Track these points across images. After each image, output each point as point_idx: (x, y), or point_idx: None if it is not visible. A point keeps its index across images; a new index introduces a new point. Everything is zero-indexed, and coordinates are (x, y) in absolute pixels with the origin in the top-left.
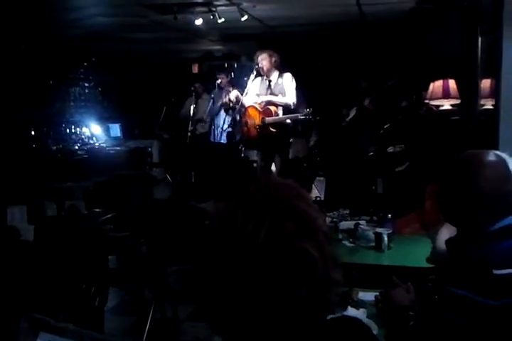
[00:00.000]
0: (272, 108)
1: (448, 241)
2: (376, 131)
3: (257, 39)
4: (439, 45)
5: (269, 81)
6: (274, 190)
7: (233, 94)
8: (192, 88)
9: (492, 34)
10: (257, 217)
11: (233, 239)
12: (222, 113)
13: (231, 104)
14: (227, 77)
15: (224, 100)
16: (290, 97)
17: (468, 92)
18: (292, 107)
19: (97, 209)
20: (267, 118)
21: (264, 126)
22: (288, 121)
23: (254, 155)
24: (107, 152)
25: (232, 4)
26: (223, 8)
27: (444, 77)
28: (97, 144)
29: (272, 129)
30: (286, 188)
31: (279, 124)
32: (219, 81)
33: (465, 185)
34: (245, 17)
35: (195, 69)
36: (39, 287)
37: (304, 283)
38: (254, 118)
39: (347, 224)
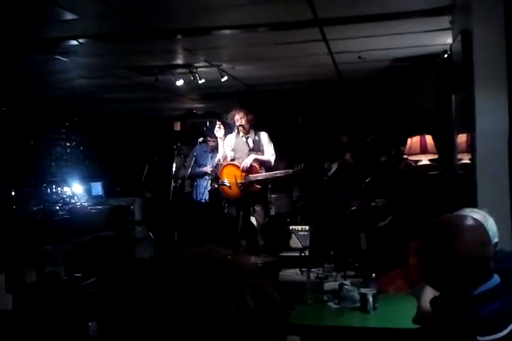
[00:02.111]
0: (256, 165)
1: (432, 302)
2: (358, 185)
3: (238, 97)
4: (415, 101)
5: (247, 138)
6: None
7: (208, 168)
8: (174, 146)
9: (465, 90)
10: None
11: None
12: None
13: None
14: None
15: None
16: (270, 154)
17: (445, 147)
18: (272, 164)
19: (77, 274)
20: (251, 175)
21: (248, 184)
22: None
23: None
24: (88, 211)
25: (212, 66)
26: (203, 69)
27: (421, 132)
28: (78, 203)
29: (257, 186)
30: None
31: (264, 181)
32: (210, 143)
33: (444, 251)
34: (225, 78)
35: (178, 126)
36: None
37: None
38: (236, 176)
39: (331, 285)
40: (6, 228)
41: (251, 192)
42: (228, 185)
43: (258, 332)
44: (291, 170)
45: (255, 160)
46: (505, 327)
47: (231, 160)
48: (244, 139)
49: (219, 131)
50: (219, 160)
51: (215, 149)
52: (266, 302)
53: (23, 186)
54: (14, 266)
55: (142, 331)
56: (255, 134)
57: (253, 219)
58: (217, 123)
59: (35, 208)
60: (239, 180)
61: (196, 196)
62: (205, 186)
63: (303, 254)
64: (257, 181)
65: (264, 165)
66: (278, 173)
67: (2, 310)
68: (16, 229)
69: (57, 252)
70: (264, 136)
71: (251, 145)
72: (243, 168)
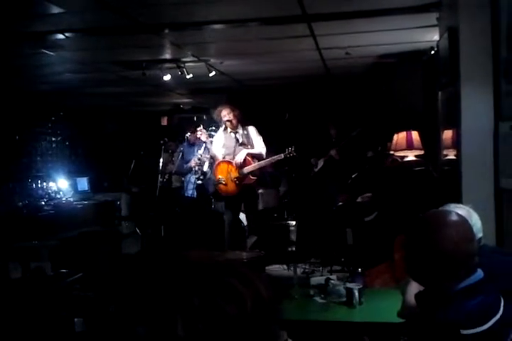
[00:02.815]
0: (249, 158)
1: (417, 296)
2: (344, 180)
3: (226, 92)
4: (402, 97)
5: (235, 133)
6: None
7: (193, 161)
8: (161, 142)
9: (451, 87)
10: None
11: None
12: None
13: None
14: (207, 131)
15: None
16: (261, 147)
17: (431, 143)
18: (264, 157)
19: (64, 270)
20: (245, 168)
21: (243, 177)
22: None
23: (223, 208)
24: (74, 206)
25: (199, 61)
26: (191, 64)
27: (408, 128)
28: (64, 199)
29: (252, 177)
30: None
31: (258, 172)
32: (188, 134)
33: (428, 246)
34: (213, 73)
35: (164, 121)
36: None
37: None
38: (230, 172)
39: (318, 280)
40: None
41: (246, 186)
42: (224, 182)
43: (257, 328)
44: (282, 155)
45: (247, 154)
46: (488, 321)
47: (222, 158)
48: (232, 135)
49: (202, 135)
50: (201, 155)
51: (196, 142)
52: (262, 299)
53: (8, 181)
54: None
55: (151, 327)
56: (243, 129)
57: (241, 216)
58: (199, 130)
59: (20, 203)
60: (233, 175)
61: (185, 192)
62: (192, 182)
63: (289, 249)
64: (252, 173)
65: (257, 157)
66: (271, 159)
67: None
68: (0, 225)
69: (43, 248)
70: (252, 129)
71: (240, 140)
72: (236, 163)
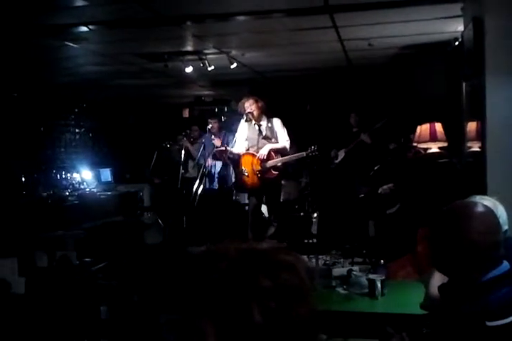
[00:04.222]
0: (272, 153)
1: (441, 288)
2: (366, 172)
3: (247, 84)
4: (425, 89)
5: (259, 125)
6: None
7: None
8: (187, 131)
9: (475, 78)
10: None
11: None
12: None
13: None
14: (218, 122)
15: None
16: (284, 141)
17: (455, 135)
18: (288, 150)
19: (88, 259)
20: (268, 162)
21: (265, 170)
22: (279, 164)
23: (245, 199)
24: (97, 197)
25: (221, 52)
26: (213, 56)
27: (431, 120)
28: (87, 189)
29: (273, 172)
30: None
31: (279, 166)
32: (210, 126)
33: (455, 237)
34: (234, 64)
35: (186, 113)
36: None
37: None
38: (253, 164)
39: (340, 271)
40: (17, 213)
41: (267, 180)
42: (246, 174)
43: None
44: (304, 153)
45: (271, 149)
46: None
47: (246, 150)
48: (256, 127)
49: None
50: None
51: (216, 132)
52: (308, 269)
53: (33, 172)
54: (26, 251)
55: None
56: (268, 121)
57: (263, 207)
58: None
59: (45, 194)
60: (256, 168)
61: (205, 183)
62: (214, 172)
63: (309, 241)
64: (274, 167)
65: (280, 152)
66: (292, 157)
67: (15, 293)
68: (26, 215)
69: (68, 237)
70: (277, 122)
71: (264, 132)
72: (260, 157)
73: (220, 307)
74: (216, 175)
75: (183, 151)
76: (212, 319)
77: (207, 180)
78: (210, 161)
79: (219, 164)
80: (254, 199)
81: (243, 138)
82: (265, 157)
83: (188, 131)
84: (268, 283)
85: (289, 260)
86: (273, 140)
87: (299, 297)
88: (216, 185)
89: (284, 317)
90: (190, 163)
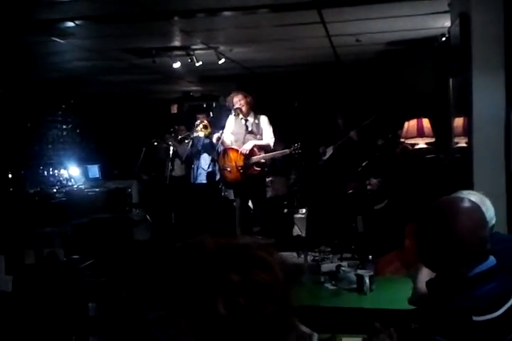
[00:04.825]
0: (255, 149)
1: (428, 283)
2: (354, 168)
3: (235, 80)
4: (413, 85)
5: (246, 120)
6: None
7: (215, 136)
8: (172, 129)
9: (462, 74)
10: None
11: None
12: (204, 154)
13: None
14: (207, 117)
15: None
16: (269, 138)
17: (442, 131)
18: (271, 148)
19: (76, 256)
20: (251, 158)
21: (248, 166)
22: (263, 160)
23: (233, 194)
24: (85, 194)
25: (209, 48)
26: (201, 51)
27: (418, 116)
28: (75, 186)
29: (256, 168)
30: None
31: (262, 163)
32: (198, 122)
33: (441, 232)
34: (222, 60)
35: (174, 109)
36: (18, 339)
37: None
38: (236, 160)
39: (329, 267)
40: (4, 210)
41: (250, 176)
42: (229, 169)
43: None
44: (287, 150)
45: (254, 145)
46: (500, 307)
47: (231, 144)
48: (243, 122)
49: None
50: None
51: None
52: (286, 267)
53: (20, 168)
54: (13, 248)
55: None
56: (255, 117)
57: (250, 203)
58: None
59: (32, 191)
60: (238, 164)
61: (193, 179)
62: (203, 167)
63: (299, 236)
64: (257, 163)
65: (264, 149)
66: (276, 154)
67: (2, 291)
68: (13, 212)
69: (56, 234)
70: (263, 119)
71: (249, 127)
72: (242, 153)
73: (189, 299)
74: (206, 170)
75: (171, 149)
76: (183, 310)
77: (195, 174)
78: (204, 155)
79: (207, 160)
80: (240, 195)
81: (229, 132)
82: (247, 152)
83: (175, 129)
84: (237, 277)
85: (263, 256)
86: (258, 136)
87: (268, 294)
88: (204, 180)
89: (251, 313)
90: (177, 162)
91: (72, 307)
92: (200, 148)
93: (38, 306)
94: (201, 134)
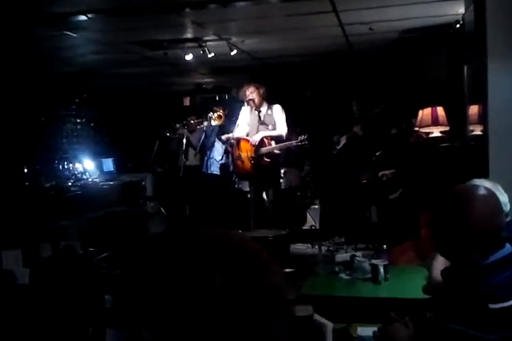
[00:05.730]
0: (266, 139)
1: (443, 272)
2: (368, 158)
3: (247, 71)
4: (427, 73)
5: (259, 111)
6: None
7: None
8: (184, 121)
9: (477, 61)
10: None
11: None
12: (217, 145)
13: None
14: (223, 110)
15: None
16: (281, 128)
17: (457, 119)
18: (284, 138)
19: (92, 248)
20: (261, 149)
21: (258, 157)
22: (277, 151)
23: (247, 186)
24: (100, 187)
25: (221, 39)
26: (212, 43)
27: (433, 104)
28: (90, 180)
29: (266, 159)
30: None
31: (273, 154)
32: (213, 112)
33: (457, 220)
34: (234, 51)
35: (187, 101)
36: (36, 331)
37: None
38: (247, 151)
39: (343, 257)
40: (20, 204)
41: (262, 167)
42: (242, 159)
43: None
44: (294, 142)
45: (265, 136)
46: None
47: (246, 135)
48: (256, 113)
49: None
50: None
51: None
52: (271, 289)
53: (35, 163)
54: (30, 241)
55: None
56: (268, 108)
57: (264, 194)
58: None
59: (48, 185)
60: (249, 154)
61: (206, 169)
62: (215, 158)
63: (313, 227)
64: (267, 155)
65: (275, 139)
66: (282, 145)
67: (20, 284)
68: (29, 206)
69: (72, 227)
70: (277, 109)
71: (262, 118)
72: (252, 144)
73: (172, 292)
74: (219, 161)
75: (184, 140)
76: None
77: (208, 164)
78: (217, 146)
79: (220, 151)
80: (254, 186)
81: (244, 123)
82: (256, 143)
83: (187, 120)
84: (220, 279)
85: (258, 252)
86: (270, 126)
87: (257, 291)
88: (217, 170)
89: (234, 311)
90: (191, 151)
91: (89, 299)
92: (212, 137)
93: (54, 298)
94: (213, 123)
